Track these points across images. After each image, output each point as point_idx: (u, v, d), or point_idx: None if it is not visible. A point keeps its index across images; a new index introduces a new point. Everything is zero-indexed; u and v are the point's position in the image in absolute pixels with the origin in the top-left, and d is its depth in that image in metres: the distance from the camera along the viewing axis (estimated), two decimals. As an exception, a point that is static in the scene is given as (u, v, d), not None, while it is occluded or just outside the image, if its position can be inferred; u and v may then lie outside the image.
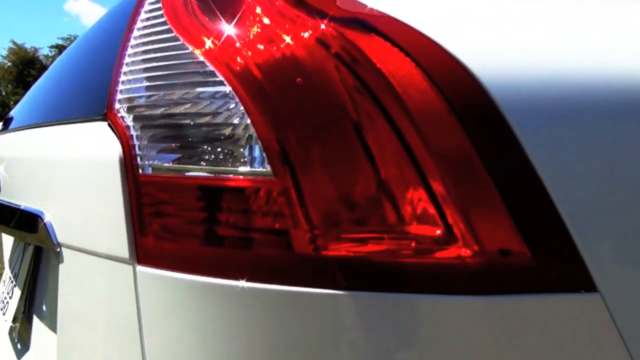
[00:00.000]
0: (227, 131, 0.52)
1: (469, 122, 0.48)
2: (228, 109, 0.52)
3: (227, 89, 0.52)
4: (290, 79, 0.50)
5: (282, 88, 0.50)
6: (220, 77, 0.52)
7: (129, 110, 0.60)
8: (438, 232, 0.48)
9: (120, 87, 0.62)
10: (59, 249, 0.75)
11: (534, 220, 0.48)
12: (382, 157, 0.49)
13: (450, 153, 0.48)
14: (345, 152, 0.49)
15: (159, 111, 0.57)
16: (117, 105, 0.61)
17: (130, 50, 0.61)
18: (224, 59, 0.52)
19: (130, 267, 0.58)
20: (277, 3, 0.53)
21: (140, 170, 0.58)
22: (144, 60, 0.60)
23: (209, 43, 0.53)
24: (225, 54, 0.52)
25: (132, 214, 0.58)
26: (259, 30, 0.52)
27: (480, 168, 0.48)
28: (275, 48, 0.51)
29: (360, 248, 0.49)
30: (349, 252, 0.49)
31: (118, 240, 0.59)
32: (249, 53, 0.51)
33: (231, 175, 0.52)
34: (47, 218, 0.78)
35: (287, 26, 0.51)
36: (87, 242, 0.69)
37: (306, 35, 0.51)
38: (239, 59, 0.52)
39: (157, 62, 0.58)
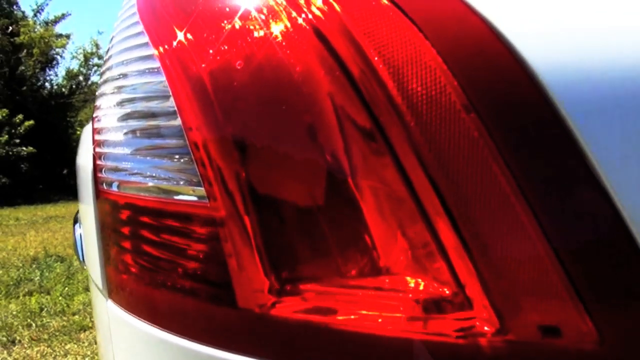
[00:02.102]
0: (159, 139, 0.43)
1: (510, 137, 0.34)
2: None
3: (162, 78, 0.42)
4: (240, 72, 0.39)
5: (223, 81, 0.39)
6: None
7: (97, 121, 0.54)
8: (446, 291, 0.34)
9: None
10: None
11: (607, 280, 0.32)
12: (369, 182, 0.36)
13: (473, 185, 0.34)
14: (315, 171, 0.36)
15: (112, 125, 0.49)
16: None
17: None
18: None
19: (104, 300, 0.52)
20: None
21: (103, 186, 0.51)
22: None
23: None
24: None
25: (100, 238, 0.52)
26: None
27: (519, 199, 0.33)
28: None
29: (327, 314, 0.35)
30: (309, 314, 0.36)
31: (98, 267, 0.54)
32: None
33: (162, 197, 0.42)
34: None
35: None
36: (90, 265, 0.64)
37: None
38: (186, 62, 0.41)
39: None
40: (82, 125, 16.22)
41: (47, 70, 15.63)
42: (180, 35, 0.40)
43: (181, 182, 0.40)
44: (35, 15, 15.53)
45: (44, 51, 14.73)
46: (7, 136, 12.11)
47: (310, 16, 0.37)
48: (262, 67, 0.38)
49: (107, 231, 0.50)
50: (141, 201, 0.43)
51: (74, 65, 17.16)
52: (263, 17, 0.38)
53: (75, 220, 0.87)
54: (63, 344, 2.95)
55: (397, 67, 0.35)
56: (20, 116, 12.47)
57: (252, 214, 0.37)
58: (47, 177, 12.73)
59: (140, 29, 0.44)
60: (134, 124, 0.44)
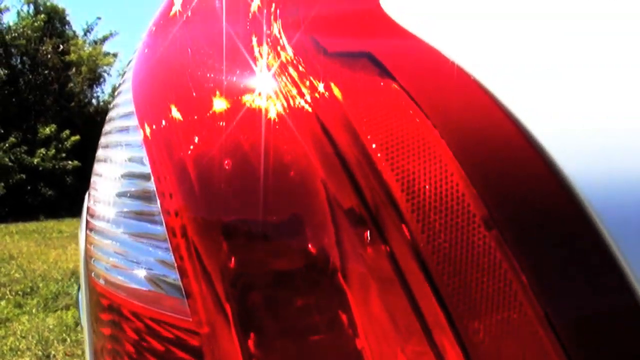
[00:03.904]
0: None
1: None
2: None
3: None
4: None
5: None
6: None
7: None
8: None
9: None
10: None
11: None
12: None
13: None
14: (307, 270, 0.32)
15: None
16: None
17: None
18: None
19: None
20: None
21: (91, 275, 0.47)
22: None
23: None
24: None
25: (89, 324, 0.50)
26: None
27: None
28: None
29: None
30: None
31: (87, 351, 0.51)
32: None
33: (142, 300, 0.39)
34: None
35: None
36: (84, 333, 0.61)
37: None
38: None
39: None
40: (125, 140, 16.55)
41: (95, 87, 16.11)
42: (169, 116, 0.38)
43: (162, 284, 0.37)
44: (85, 34, 16.08)
45: (91, 69, 15.20)
46: (54, 150, 12.48)
47: (309, 101, 0.34)
48: (252, 151, 0.35)
49: (94, 321, 0.47)
50: (123, 301, 0.40)
51: (120, 83, 17.67)
52: (258, 99, 0.35)
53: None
54: (95, 361, 2.97)
55: (401, 163, 0.31)
56: (67, 131, 12.86)
57: (237, 321, 0.33)
58: (90, 189, 13.02)
59: (132, 108, 0.42)
60: (119, 206, 0.42)
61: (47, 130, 12.59)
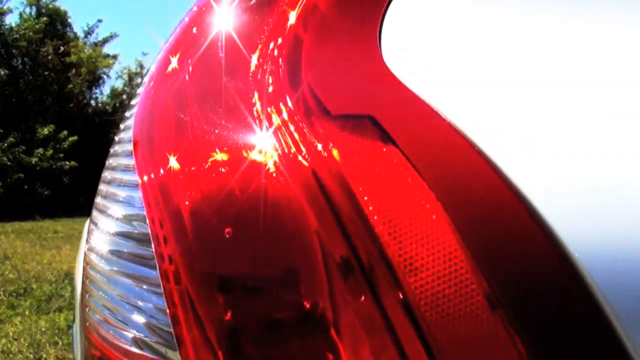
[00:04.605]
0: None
1: None
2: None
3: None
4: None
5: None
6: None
7: None
8: None
9: None
10: None
11: None
12: None
13: None
14: (300, 324, 0.32)
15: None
16: None
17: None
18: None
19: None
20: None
21: (86, 324, 0.46)
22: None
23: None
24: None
25: None
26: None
27: None
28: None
29: None
30: None
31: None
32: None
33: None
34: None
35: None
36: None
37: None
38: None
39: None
40: (123, 142, 16.50)
41: (94, 88, 16.07)
42: (167, 164, 0.38)
43: (155, 338, 0.37)
44: (86, 36, 16.04)
45: (91, 70, 15.16)
46: (52, 150, 12.43)
47: (307, 158, 0.34)
48: (249, 205, 0.35)
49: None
50: (114, 356, 0.40)
51: (119, 84, 17.65)
52: (257, 154, 0.35)
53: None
54: (86, 366, 2.95)
55: (398, 227, 0.31)
56: (65, 132, 12.81)
57: None
58: (87, 190, 12.98)
59: (130, 149, 0.42)
60: (117, 246, 0.42)
61: (46, 130, 12.54)
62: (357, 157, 0.33)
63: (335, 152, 0.33)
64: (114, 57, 16.68)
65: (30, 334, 3.39)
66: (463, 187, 0.32)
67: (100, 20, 17.19)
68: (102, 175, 0.51)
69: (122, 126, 0.49)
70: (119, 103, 16.74)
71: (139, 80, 18.07)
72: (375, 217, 0.32)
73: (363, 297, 0.32)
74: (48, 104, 13.37)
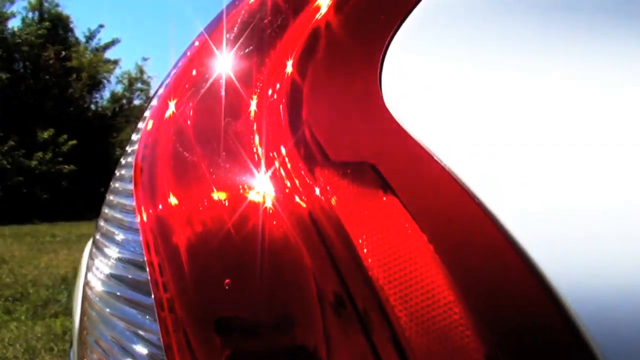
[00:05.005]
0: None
1: None
2: None
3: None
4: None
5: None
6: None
7: None
8: None
9: None
10: None
11: None
12: None
13: None
14: None
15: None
16: None
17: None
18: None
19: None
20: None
21: None
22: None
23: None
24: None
25: None
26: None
27: None
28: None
29: None
30: None
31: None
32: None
33: None
34: None
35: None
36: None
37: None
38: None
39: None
40: (122, 146, 16.58)
41: (94, 93, 16.07)
42: (165, 203, 0.38)
43: None
44: (87, 41, 16.06)
45: (92, 75, 15.18)
46: (51, 154, 12.43)
47: (304, 200, 0.34)
48: (246, 246, 0.35)
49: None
50: None
51: (119, 89, 17.67)
52: (256, 196, 0.35)
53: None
54: (81, 372, 2.94)
55: (392, 270, 0.32)
56: (65, 136, 12.82)
57: None
58: (86, 194, 12.97)
59: (131, 189, 0.42)
60: (112, 289, 0.42)
61: (46, 134, 12.55)
62: (355, 203, 0.33)
63: (333, 198, 0.33)
64: (115, 62, 16.70)
65: (26, 339, 3.37)
66: (460, 236, 0.32)
67: (101, 26, 17.22)
68: (105, 201, 0.51)
69: (123, 161, 0.49)
70: (119, 107, 16.75)
71: (138, 85, 18.08)
72: (370, 261, 0.32)
73: (357, 340, 0.32)
74: (48, 107, 13.37)
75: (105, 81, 16.37)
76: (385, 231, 0.33)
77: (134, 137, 0.48)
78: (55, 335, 3.45)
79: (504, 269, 0.31)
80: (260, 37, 0.41)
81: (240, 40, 0.42)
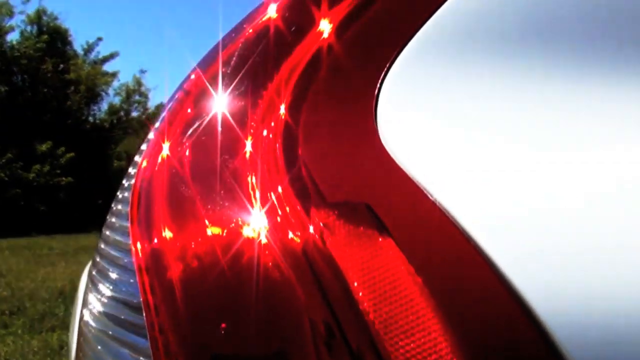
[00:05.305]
0: None
1: None
2: None
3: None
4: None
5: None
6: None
7: None
8: None
9: None
10: None
11: None
12: None
13: None
14: None
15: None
16: None
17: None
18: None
19: None
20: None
21: None
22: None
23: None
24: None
25: None
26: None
27: None
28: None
29: None
30: None
31: None
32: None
33: None
34: None
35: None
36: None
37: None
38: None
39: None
40: (120, 158, 16.55)
41: (92, 105, 16.08)
42: (162, 241, 0.38)
43: None
44: (85, 54, 16.09)
45: (90, 88, 15.19)
46: (49, 166, 12.41)
47: (300, 239, 0.34)
48: (240, 282, 0.35)
49: None
50: None
51: (117, 101, 17.67)
52: (251, 232, 0.35)
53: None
54: (77, 388, 2.91)
55: (384, 311, 0.32)
56: (63, 148, 12.80)
57: None
58: (83, 206, 12.93)
59: (127, 226, 0.42)
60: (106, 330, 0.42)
61: (44, 146, 12.53)
62: (350, 244, 0.33)
63: (329, 238, 0.33)
64: (113, 74, 16.73)
65: (23, 354, 3.34)
66: (456, 280, 0.32)
67: (100, 39, 17.32)
68: (103, 232, 0.51)
69: (119, 195, 0.49)
70: (117, 120, 16.74)
71: (136, 97, 18.09)
72: (365, 304, 0.32)
73: None
74: (46, 120, 13.36)
75: (103, 93, 16.39)
76: (380, 272, 0.33)
77: (131, 170, 0.48)
78: (52, 350, 3.43)
79: (503, 317, 0.31)
80: (255, 75, 0.41)
81: (236, 79, 0.42)
